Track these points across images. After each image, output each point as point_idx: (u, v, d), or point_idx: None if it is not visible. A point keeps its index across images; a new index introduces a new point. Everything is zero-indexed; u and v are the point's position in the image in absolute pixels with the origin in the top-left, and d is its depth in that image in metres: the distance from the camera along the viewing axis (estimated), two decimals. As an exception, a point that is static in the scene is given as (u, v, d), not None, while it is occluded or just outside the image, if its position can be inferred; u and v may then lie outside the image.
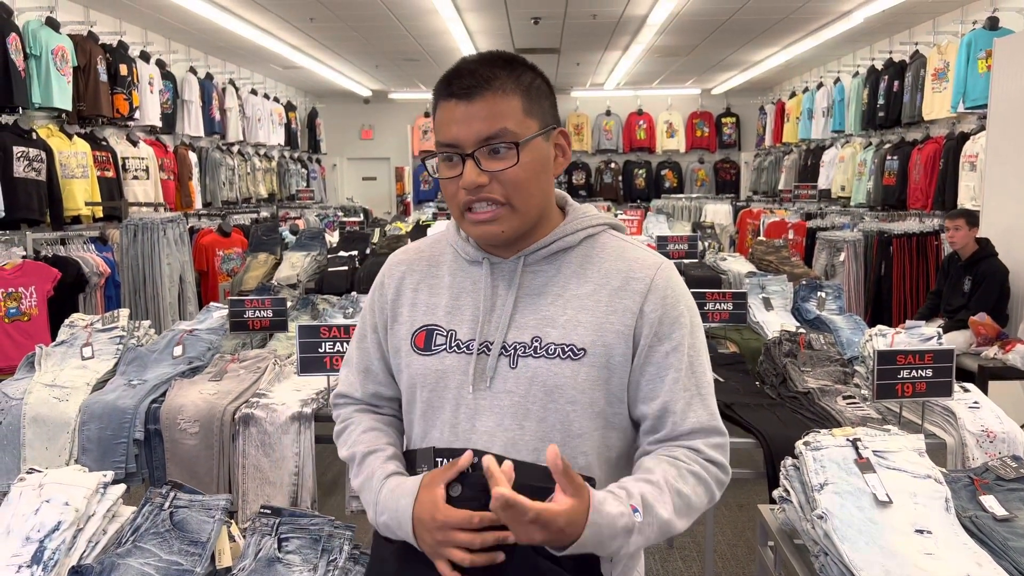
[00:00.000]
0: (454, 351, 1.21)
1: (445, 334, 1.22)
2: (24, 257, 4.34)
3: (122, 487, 2.04)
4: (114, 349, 2.95)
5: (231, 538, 2.00)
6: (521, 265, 1.22)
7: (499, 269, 1.23)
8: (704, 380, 1.21)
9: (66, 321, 3.04)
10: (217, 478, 2.46)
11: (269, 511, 1.93)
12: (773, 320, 4.02)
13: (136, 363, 2.86)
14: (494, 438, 1.17)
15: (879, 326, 3.18)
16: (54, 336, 3.22)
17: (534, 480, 1.09)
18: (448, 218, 1.44)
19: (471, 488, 1.12)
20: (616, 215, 8.87)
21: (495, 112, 1.13)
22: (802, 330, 3.33)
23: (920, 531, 1.65)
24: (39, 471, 2.01)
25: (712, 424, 1.19)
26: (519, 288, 1.21)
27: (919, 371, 2.54)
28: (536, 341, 1.18)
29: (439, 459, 1.18)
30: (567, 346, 1.17)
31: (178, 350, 2.97)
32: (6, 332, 4.10)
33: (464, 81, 1.14)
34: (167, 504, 1.95)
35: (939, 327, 3.28)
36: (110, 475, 2.03)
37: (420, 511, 1.12)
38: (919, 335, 3.05)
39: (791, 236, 7.33)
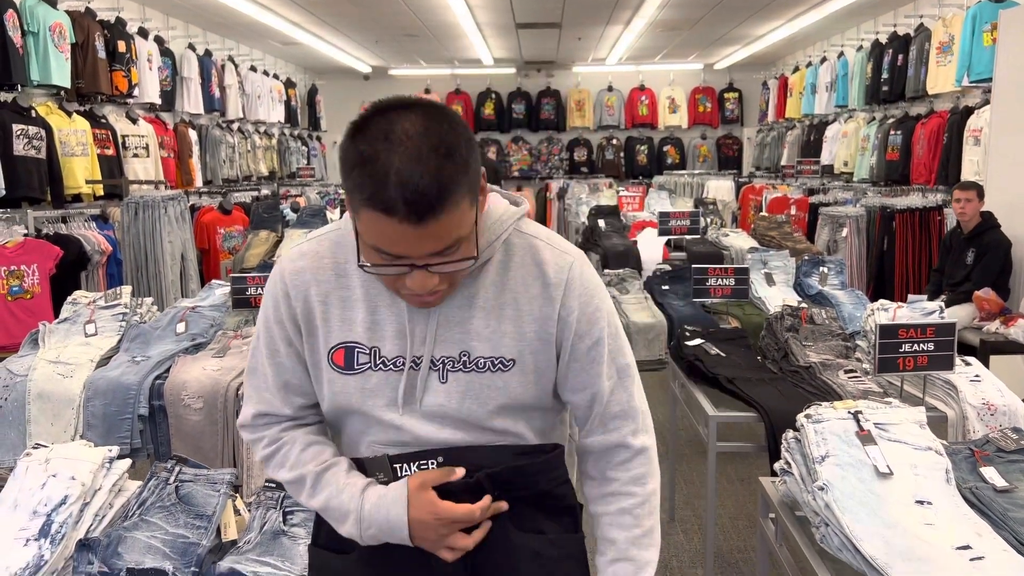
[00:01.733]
0: (380, 368, 1.18)
1: (368, 351, 1.18)
2: (25, 235, 4.34)
3: (127, 462, 2.06)
4: (117, 326, 2.96)
5: (236, 512, 2.01)
6: None
7: None
8: (623, 363, 1.25)
9: (69, 298, 3.04)
10: (222, 453, 2.48)
11: (274, 485, 1.94)
12: (775, 295, 4.02)
13: (139, 340, 2.87)
14: (434, 444, 1.19)
15: (881, 300, 3.18)
16: (57, 314, 3.23)
17: (487, 463, 1.17)
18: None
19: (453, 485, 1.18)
20: (618, 192, 8.83)
21: (449, 227, 1.03)
22: (804, 305, 3.33)
23: (920, 502, 1.67)
24: (45, 446, 2.02)
25: (632, 405, 1.25)
26: (443, 303, 1.17)
27: (921, 345, 2.54)
28: (464, 355, 1.17)
29: (396, 465, 1.19)
30: (496, 359, 1.17)
31: (181, 327, 2.98)
32: (9, 310, 4.11)
33: (419, 206, 1.00)
34: (172, 478, 1.97)
35: (941, 301, 3.28)
36: (115, 450, 2.04)
37: (417, 514, 1.14)
38: (921, 309, 3.05)
39: (793, 212, 7.31)
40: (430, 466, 1.18)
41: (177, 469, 1.98)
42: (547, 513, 1.23)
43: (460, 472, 1.16)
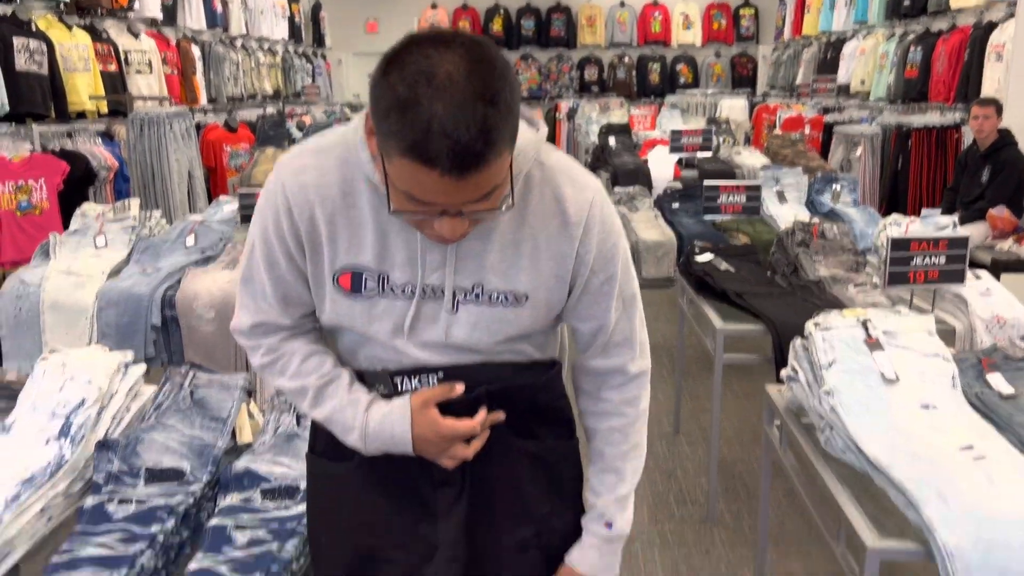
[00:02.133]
0: (389, 295, 1.15)
1: (376, 277, 1.14)
2: (31, 151, 4.31)
3: (143, 366, 2.09)
4: (126, 239, 2.96)
5: (250, 416, 2.05)
6: None
7: None
8: (630, 295, 1.24)
9: (78, 211, 3.05)
10: (235, 362, 2.51)
11: (286, 390, 1.97)
12: (787, 213, 3.98)
13: (149, 252, 2.88)
14: (433, 364, 1.19)
15: (894, 215, 3.15)
16: (66, 229, 3.23)
17: (486, 380, 1.19)
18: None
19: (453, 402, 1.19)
20: (629, 111, 8.68)
21: (489, 179, 0.98)
22: (816, 220, 3.30)
23: (926, 406, 1.68)
24: (62, 350, 2.05)
25: (633, 335, 1.26)
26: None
27: (932, 258, 2.53)
28: (478, 288, 1.15)
29: (396, 379, 1.19)
30: (509, 293, 1.15)
31: (190, 240, 2.99)
32: (19, 226, 4.12)
33: (465, 160, 0.94)
34: (187, 383, 2.00)
35: (955, 218, 3.25)
36: (130, 355, 2.07)
37: (421, 431, 1.16)
38: (934, 224, 3.02)
39: (808, 131, 7.18)
40: (430, 381, 1.19)
41: (191, 374, 2.02)
42: (544, 423, 1.26)
43: (460, 388, 1.17)
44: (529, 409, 1.24)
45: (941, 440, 1.56)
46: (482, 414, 1.18)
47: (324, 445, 1.27)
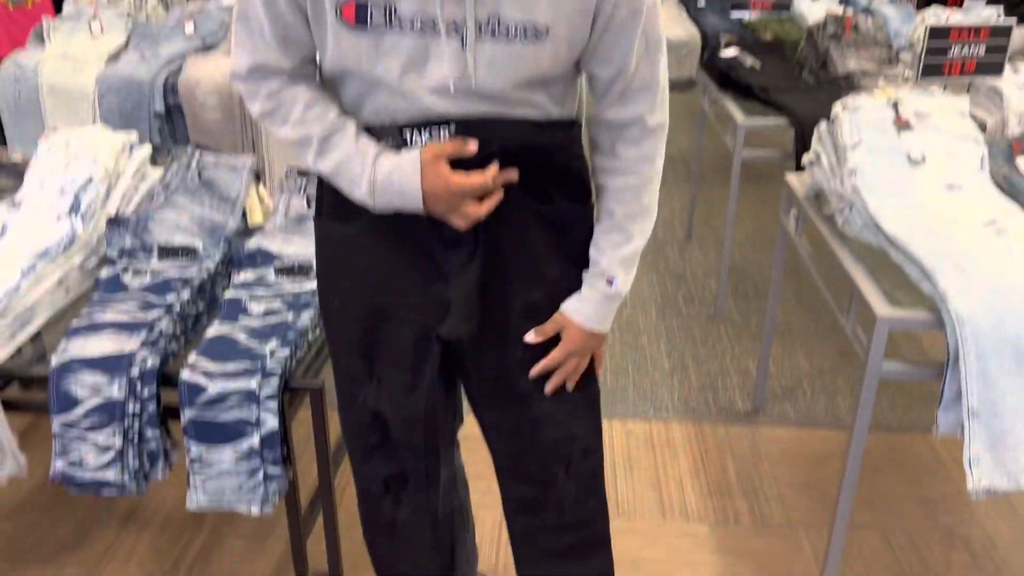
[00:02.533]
0: (396, 29, 1.06)
1: (382, 8, 1.05)
2: (16, -64, 4.04)
3: (148, 147, 2.05)
4: (122, 24, 2.83)
5: (260, 200, 2.04)
6: None
7: None
8: (655, 37, 1.15)
9: (69, -5, 2.89)
10: (242, 149, 2.47)
11: (296, 171, 1.94)
12: (819, 11, 3.74)
13: (148, 39, 2.76)
14: (446, 115, 1.11)
15: (934, 6, 2.96)
16: (61, 19, 3.07)
17: (501, 136, 1.13)
18: None
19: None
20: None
21: None
22: (850, 12, 3.10)
23: (951, 186, 1.64)
24: (64, 130, 2.00)
25: (655, 79, 1.18)
26: None
27: (971, 48, 2.39)
28: (494, 20, 1.05)
29: (406, 132, 1.12)
30: (529, 25, 1.05)
31: (189, 27, 2.85)
32: (13, 19, 3.94)
33: None
34: (194, 163, 1.97)
35: (1000, 8, 3.04)
36: (135, 135, 2.03)
37: (431, 186, 1.11)
38: (976, 15, 2.83)
39: (846, -71, 6.64)
40: (442, 135, 1.12)
41: (198, 154, 1.98)
42: (559, 185, 1.22)
43: (473, 146, 1.11)
44: (544, 170, 1.19)
45: (963, 216, 1.53)
46: (494, 170, 1.13)
47: (330, 206, 1.24)
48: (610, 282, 1.24)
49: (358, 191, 1.15)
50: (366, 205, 1.17)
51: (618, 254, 1.23)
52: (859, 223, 1.61)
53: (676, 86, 3.73)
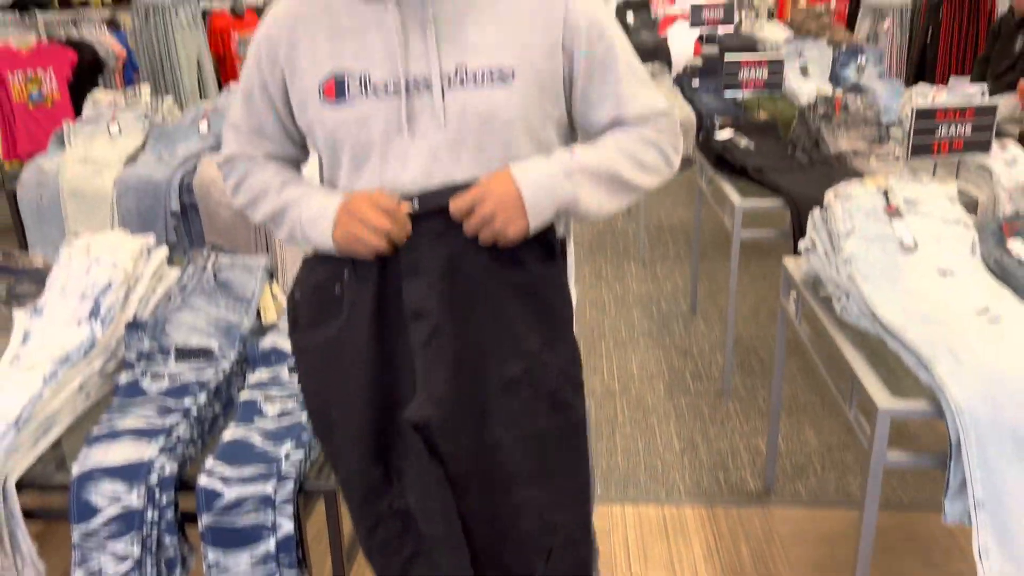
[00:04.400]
0: (372, 96, 1.14)
1: (358, 79, 1.14)
2: (38, 40, 4.23)
3: (165, 250, 2.12)
4: (140, 126, 2.95)
5: (273, 297, 2.09)
6: None
7: (406, 1, 1.14)
8: (640, 70, 1.23)
9: (88, 98, 3.02)
10: (255, 246, 2.54)
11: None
12: (810, 88, 3.88)
13: (164, 139, 2.87)
14: (431, 175, 1.15)
15: (920, 84, 3.06)
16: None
17: (451, 196, 1.14)
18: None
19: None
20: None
21: None
22: (839, 92, 3.21)
23: (943, 272, 1.68)
24: (86, 235, 2.08)
25: (659, 106, 1.22)
26: (434, 17, 1.13)
27: (958, 128, 2.47)
28: (461, 70, 1.12)
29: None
30: (495, 68, 1.12)
31: (203, 126, 2.97)
32: (33, 118, 4.10)
33: None
34: (210, 265, 2.03)
35: (984, 87, 3.14)
36: (153, 238, 2.10)
37: (348, 200, 1.15)
38: (962, 93, 2.93)
39: (833, 4, 6.88)
40: (413, 206, 1.14)
41: (214, 256, 2.04)
42: (527, 247, 1.17)
43: (405, 206, 1.13)
44: None
45: (956, 303, 1.57)
46: (405, 206, 1.13)
47: (307, 315, 1.26)
48: (572, 152, 1.17)
49: (291, 211, 1.22)
50: (292, 234, 1.23)
51: (592, 151, 1.18)
52: (855, 311, 1.66)
53: (675, 164, 3.83)
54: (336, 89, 1.15)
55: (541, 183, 1.13)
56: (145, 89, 3.03)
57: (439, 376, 1.13)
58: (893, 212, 1.79)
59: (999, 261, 1.73)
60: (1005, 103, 4.41)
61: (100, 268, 1.98)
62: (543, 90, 1.15)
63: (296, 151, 1.32)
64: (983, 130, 2.48)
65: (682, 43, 5.14)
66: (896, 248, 1.73)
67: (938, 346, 1.43)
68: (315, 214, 1.18)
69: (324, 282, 1.22)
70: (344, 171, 1.21)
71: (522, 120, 1.15)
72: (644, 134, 1.22)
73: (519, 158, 1.16)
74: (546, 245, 1.20)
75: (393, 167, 1.16)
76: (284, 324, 1.96)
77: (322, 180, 1.30)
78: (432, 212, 1.14)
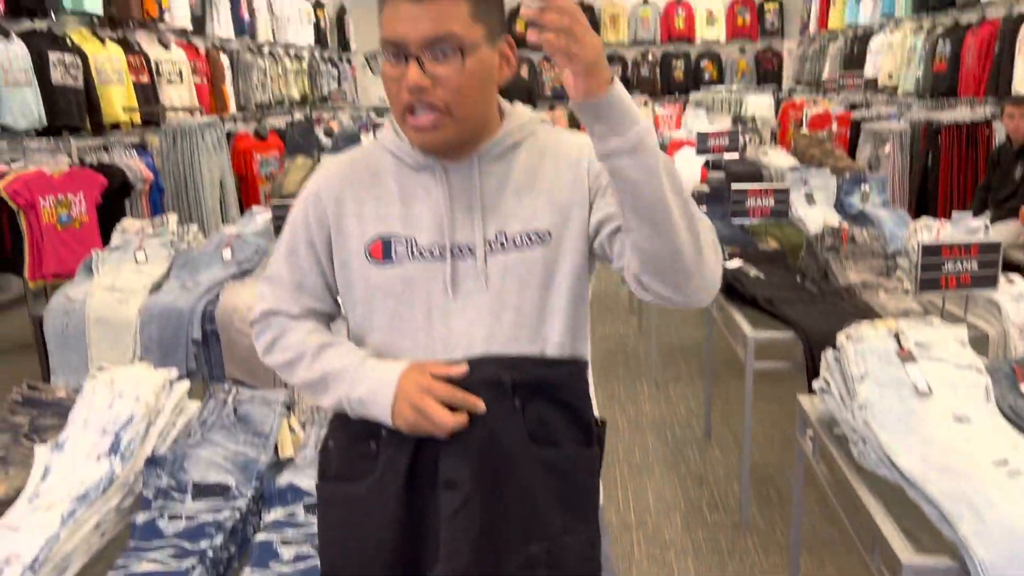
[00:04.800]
0: (418, 258, 1.21)
1: (404, 242, 1.21)
2: (70, 165, 4.42)
3: (187, 383, 2.15)
4: (166, 253, 3.04)
5: (291, 431, 2.11)
6: (476, 166, 1.23)
7: (453, 173, 1.22)
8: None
9: (117, 227, 3.13)
10: (274, 375, 2.57)
11: (326, 404, 2.02)
12: (816, 215, 3.97)
13: (188, 266, 2.95)
14: (473, 337, 1.19)
15: (924, 218, 3.14)
16: (105, 242, 3.30)
17: (500, 370, 1.16)
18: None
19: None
20: (654, 110, 8.66)
21: (443, 13, 1.11)
22: (845, 224, 3.29)
23: (959, 419, 1.69)
24: (109, 368, 2.12)
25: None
26: (480, 188, 1.22)
27: (964, 263, 2.52)
28: (501, 236, 1.20)
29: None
30: (532, 233, 1.20)
31: (227, 253, 3.05)
32: (61, 240, 4.23)
33: None
34: (230, 399, 2.06)
35: (987, 219, 3.23)
36: (175, 371, 2.14)
37: (406, 379, 1.15)
38: (965, 227, 3.01)
39: (835, 128, 7.13)
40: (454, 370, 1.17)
41: (234, 391, 2.08)
42: (564, 426, 1.21)
43: (460, 369, 1.15)
44: (551, 410, 1.20)
45: (975, 454, 1.57)
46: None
47: (337, 467, 1.25)
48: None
49: (342, 387, 1.20)
50: (342, 405, 1.21)
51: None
52: (873, 457, 1.66)
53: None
54: (383, 250, 1.22)
55: (625, 100, 1.04)
56: (172, 217, 3.14)
57: (462, 549, 1.13)
58: (906, 356, 1.82)
59: (1014, 407, 1.74)
60: (1009, 229, 4.51)
61: (123, 402, 2.01)
62: (578, 237, 1.23)
63: (333, 307, 1.36)
64: (989, 266, 2.53)
65: (689, 169, 5.31)
66: (911, 393, 1.75)
67: (959, 501, 1.43)
68: (367, 396, 1.18)
69: (360, 436, 1.23)
70: (380, 327, 1.24)
71: (559, 277, 1.22)
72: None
73: (556, 311, 1.22)
74: (585, 428, 1.22)
75: (438, 328, 1.20)
76: (301, 459, 1.97)
77: (348, 333, 1.34)
78: (477, 383, 1.16)
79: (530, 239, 1.20)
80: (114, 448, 1.92)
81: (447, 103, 1.14)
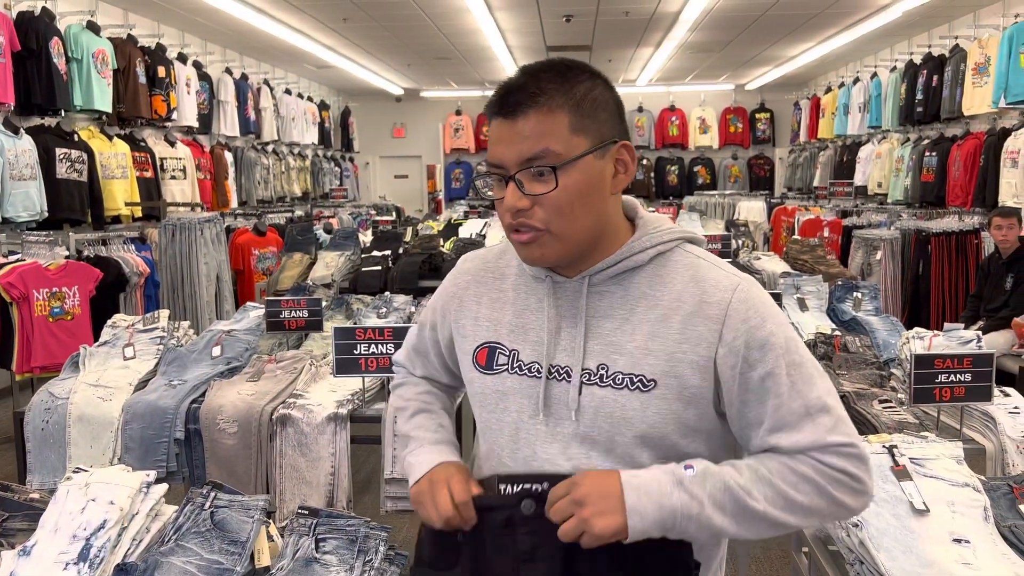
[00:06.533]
0: (516, 372, 1.18)
1: (507, 353, 1.19)
2: (67, 257, 4.44)
3: (164, 487, 2.09)
4: (155, 349, 3.01)
5: (269, 538, 2.03)
6: (586, 286, 1.16)
7: (562, 289, 1.18)
8: (812, 397, 1.08)
9: (109, 322, 3.11)
10: (255, 477, 2.51)
11: (307, 512, 1.96)
12: (808, 321, 3.98)
13: (176, 363, 2.92)
14: (559, 467, 1.14)
15: (916, 328, 3.14)
16: (96, 333, 3.28)
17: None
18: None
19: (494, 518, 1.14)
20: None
21: (538, 131, 1.08)
22: (837, 332, 3.29)
23: (958, 540, 1.64)
24: (85, 470, 2.06)
25: (828, 440, 1.07)
26: (585, 311, 1.15)
27: (958, 375, 2.50)
28: (602, 369, 1.12)
29: (502, 486, 1.13)
30: (636, 376, 1.10)
31: (216, 350, 3.03)
32: (51, 332, 4.21)
33: (511, 98, 1.09)
34: (208, 504, 2.00)
35: (979, 328, 3.23)
36: (153, 475, 2.08)
37: (446, 466, 1.21)
38: (958, 338, 3.00)
39: (826, 234, 7.24)
40: (533, 489, 1.11)
41: (212, 495, 2.01)
42: (651, 554, 1.09)
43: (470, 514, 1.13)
44: (649, 548, 1.08)
45: (976, 580, 1.52)
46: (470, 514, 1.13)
47: (430, 555, 1.22)
48: (686, 467, 1.06)
49: (404, 451, 1.30)
50: (405, 464, 1.29)
51: (721, 469, 1.06)
52: (872, 580, 1.60)
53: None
54: (487, 358, 1.22)
55: (647, 487, 1.05)
56: (164, 313, 3.13)
57: None
58: (901, 472, 1.78)
59: (1014, 530, 1.69)
60: (1002, 338, 4.52)
61: (96, 506, 1.95)
62: (687, 404, 1.11)
63: (453, 381, 1.40)
64: (982, 378, 2.51)
65: (683, 271, 5.35)
66: (908, 511, 1.70)
67: (961, 631, 1.37)
68: (412, 464, 1.25)
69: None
70: (481, 432, 1.27)
71: (656, 432, 1.11)
72: (799, 468, 1.07)
73: (650, 463, 1.11)
74: (678, 562, 1.11)
75: (523, 450, 1.17)
76: (278, 570, 1.89)
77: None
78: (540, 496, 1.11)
79: (631, 382, 1.11)
80: (83, 556, 1.85)
81: (546, 222, 1.10)
